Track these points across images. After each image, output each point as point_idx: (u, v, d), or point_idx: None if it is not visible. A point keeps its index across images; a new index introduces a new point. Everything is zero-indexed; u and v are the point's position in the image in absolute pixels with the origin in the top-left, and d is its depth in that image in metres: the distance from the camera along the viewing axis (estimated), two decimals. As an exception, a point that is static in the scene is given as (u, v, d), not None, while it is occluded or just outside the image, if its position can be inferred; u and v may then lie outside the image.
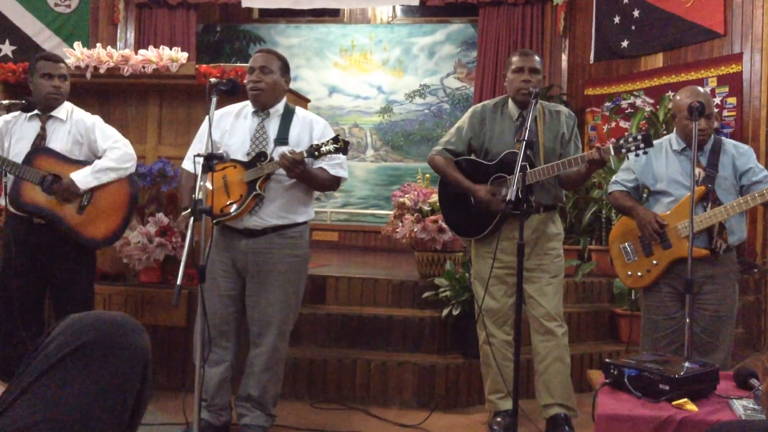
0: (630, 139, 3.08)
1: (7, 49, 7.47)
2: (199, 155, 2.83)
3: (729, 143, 3.44)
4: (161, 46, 4.14)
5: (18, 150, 3.48)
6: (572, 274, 4.79)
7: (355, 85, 9.29)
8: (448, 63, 9.00)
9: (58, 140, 3.53)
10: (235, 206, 3.20)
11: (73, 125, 3.57)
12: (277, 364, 3.39)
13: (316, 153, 3.11)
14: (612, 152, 3.13)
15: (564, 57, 7.72)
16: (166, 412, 3.73)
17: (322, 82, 9.36)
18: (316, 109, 8.06)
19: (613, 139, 6.51)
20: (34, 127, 3.55)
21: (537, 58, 3.49)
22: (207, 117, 3.40)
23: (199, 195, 2.74)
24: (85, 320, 1.11)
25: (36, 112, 3.56)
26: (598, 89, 7.35)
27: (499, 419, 3.58)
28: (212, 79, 2.95)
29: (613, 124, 6.71)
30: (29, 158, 3.47)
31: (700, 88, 3.47)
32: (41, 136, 3.52)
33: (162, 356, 4.13)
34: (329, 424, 3.63)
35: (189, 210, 2.75)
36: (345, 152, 3.13)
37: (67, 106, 3.62)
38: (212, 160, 2.84)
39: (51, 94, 3.52)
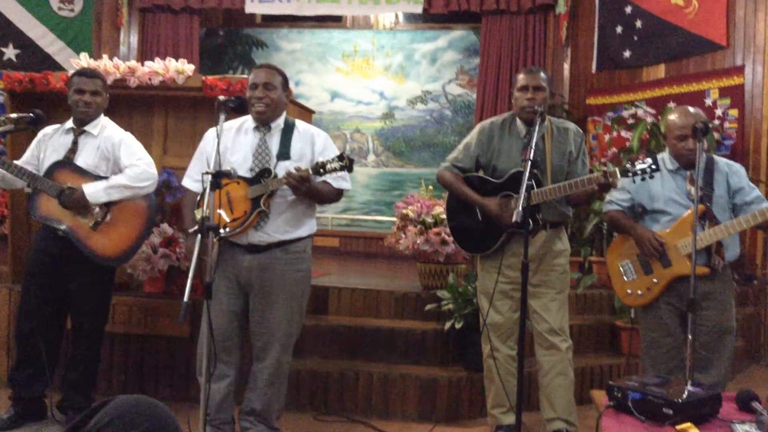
0: (637, 164, 3.10)
1: (11, 52, 7.48)
2: (207, 173, 2.84)
3: (721, 161, 3.47)
4: (167, 58, 4.15)
5: (49, 163, 3.55)
6: (574, 286, 4.81)
7: (357, 90, 9.31)
8: (450, 69, 9.02)
9: (87, 155, 3.58)
10: (239, 222, 3.21)
11: (103, 141, 3.61)
12: (281, 378, 3.41)
13: (321, 170, 3.13)
14: (619, 176, 3.15)
15: (566, 66, 7.75)
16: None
17: (324, 87, 9.38)
18: (318, 114, 8.06)
19: (614, 148, 6.54)
20: (67, 141, 3.61)
21: (543, 75, 3.50)
22: (206, 134, 3.45)
23: (206, 212, 2.77)
24: (138, 407, 1.19)
25: (71, 126, 3.62)
26: (599, 99, 7.37)
27: (501, 433, 3.60)
28: (221, 97, 2.95)
29: (615, 134, 6.72)
30: (50, 171, 3.53)
31: (691, 108, 3.48)
32: (72, 150, 3.58)
33: (165, 367, 4.15)
34: (332, 437, 3.66)
35: (197, 227, 2.76)
36: (350, 170, 3.15)
37: (102, 120, 3.68)
38: (220, 177, 2.86)
39: (80, 109, 3.58)
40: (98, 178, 3.56)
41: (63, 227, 3.50)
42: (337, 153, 3.21)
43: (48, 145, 3.62)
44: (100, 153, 3.59)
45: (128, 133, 3.72)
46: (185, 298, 2.58)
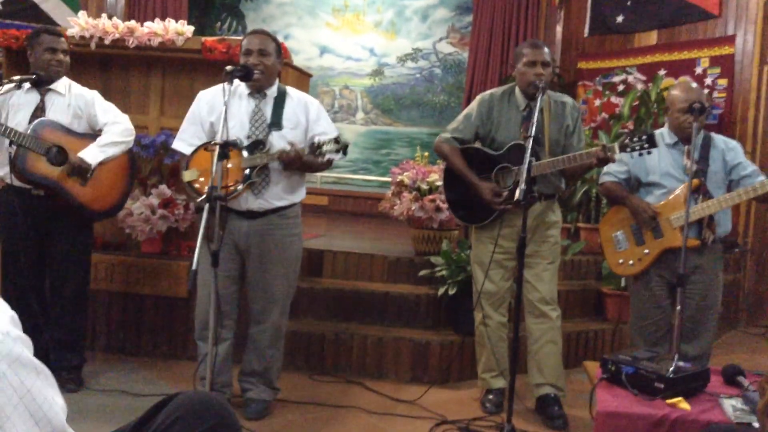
0: (635, 139, 3.17)
1: (-4, 0, 7.32)
2: (215, 143, 2.87)
3: (719, 139, 3.56)
4: (167, 19, 4.12)
5: (16, 122, 3.50)
6: (562, 253, 4.90)
7: (346, 46, 9.25)
8: (442, 27, 8.98)
9: (58, 113, 3.56)
10: (230, 190, 3.22)
11: (73, 99, 3.60)
12: (280, 339, 3.51)
13: (317, 152, 3.17)
14: (617, 151, 3.22)
15: (558, 29, 7.74)
16: (168, 381, 3.85)
17: (313, 42, 9.31)
18: (306, 70, 8.02)
19: (604, 113, 6.60)
20: (33, 99, 3.57)
21: (547, 49, 3.53)
22: (198, 96, 3.45)
23: (214, 181, 2.81)
24: (203, 404, 1.24)
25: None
26: (591, 63, 7.40)
27: (491, 396, 3.74)
28: (228, 67, 2.95)
29: (605, 100, 6.78)
30: (36, 130, 3.48)
31: (694, 84, 3.57)
32: (40, 108, 3.55)
33: (163, 326, 4.23)
34: (328, 397, 3.76)
35: (204, 197, 2.80)
36: (345, 153, 3.19)
37: (65, 80, 3.65)
38: (227, 148, 2.89)
39: (54, 68, 3.55)
40: (81, 135, 3.57)
41: (50, 184, 3.48)
42: (334, 133, 3.30)
43: (11, 104, 3.57)
44: (72, 111, 3.59)
45: (96, 91, 3.72)
46: (193, 266, 2.62)
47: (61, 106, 3.57)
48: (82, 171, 3.49)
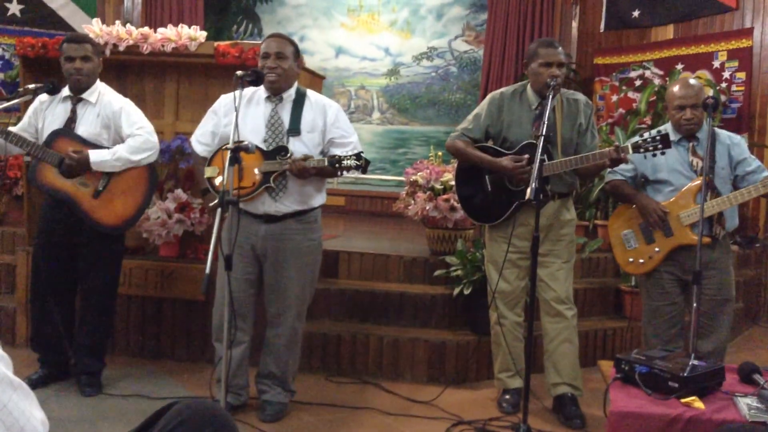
0: (648, 139, 3.15)
1: (15, 8, 7.40)
2: (226, 148, 2.89)
3: (723, 134, 3.53)
4: (180, 24, 4.15)
5: (49, 132, 3.54)
6: (579, 250, 4.88)
7: (362, 46, 9.25)
8: (457, 25, 8.95)
9: (88, 123, 3.56)
10: (246, 192, 3.24)
11: (102, 108, 3.58)
12: (296, 343, 3.52)
13: (337, 165, 3.17)
14: (630, 151, 3.20)
15: (574, 24, 7.70)
16: (187, 384, 3.88)
17: (328, 43, 9.32)
18: (322, 71, 8.04)
19: (621, 109, 6.55)
20: (66, 109, 3.59)
21: (561, 49, 3.51)
22: (219, 99, 3.49)
23: (226, 185, 2.83)
24: (200, 413, 1.24)
25: (68, 94, 3.59)
26: (607, 59, 7.35)
27: (507, 397, 3.73)
28: (238, 72, 2.98)
29: (622, 95, 6.73)
30: (49, 140, 3.51)
31: (692, 80, 3.54)
32: (71, 119, 3.56)
33: (181, 329, 4.26)
34: (344, 399, 3.77)
35: (217, 201, 2.81)
36: (364, 171, 3.19)
37: (99, 87, 3.64)
38: (239, 152, 2.91)
39: (73, 76, 3.55)
40: (100, 147, 3.54)
41: (60, 196, 3.49)
42: (353, 139, 3.37)
43: (46, 114, 3.59)
44: (100, 121, 3.57)
45: (127, 100, 3.69)
46: (207, 270, 2.64)
47: (90, 116, 3.57)
48: (80, 168, 3.45)
